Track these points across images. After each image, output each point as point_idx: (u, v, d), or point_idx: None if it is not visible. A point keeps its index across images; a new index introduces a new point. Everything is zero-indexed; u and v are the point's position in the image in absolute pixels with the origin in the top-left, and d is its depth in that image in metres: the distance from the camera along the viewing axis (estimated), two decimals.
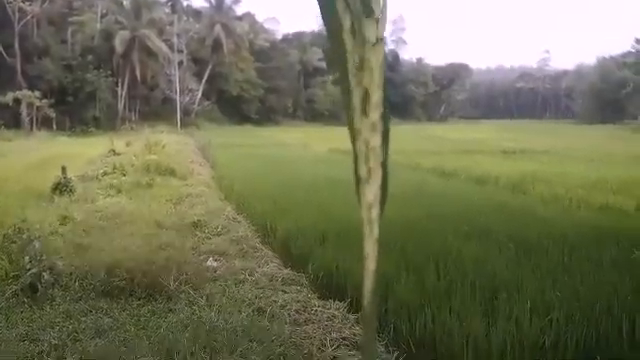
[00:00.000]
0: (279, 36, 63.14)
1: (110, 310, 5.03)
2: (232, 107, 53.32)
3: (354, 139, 0.70)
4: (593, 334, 4.35)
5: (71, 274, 5.73)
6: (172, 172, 14.50)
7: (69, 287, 5.52)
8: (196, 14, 55.92)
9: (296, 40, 63.56)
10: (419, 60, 76.07)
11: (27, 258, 5.56)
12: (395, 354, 4.35)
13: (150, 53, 44.18)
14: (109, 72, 41.51)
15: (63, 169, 11.32)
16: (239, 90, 53.17)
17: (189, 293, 5.45)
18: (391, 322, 4.71)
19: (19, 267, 5.56)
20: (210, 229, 8.41)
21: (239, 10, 56.76)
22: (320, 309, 5.10)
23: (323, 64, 58.85)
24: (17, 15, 39.11)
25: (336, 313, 5.01)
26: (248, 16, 57.60)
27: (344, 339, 4.48)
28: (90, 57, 40.85)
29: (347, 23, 0.68)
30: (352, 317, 4.88)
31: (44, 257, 5.67)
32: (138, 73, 43.49)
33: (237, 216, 9.57)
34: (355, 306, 4.97)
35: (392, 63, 64.92)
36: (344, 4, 0.68)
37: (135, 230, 7.61)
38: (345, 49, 0.68)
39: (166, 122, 43.75)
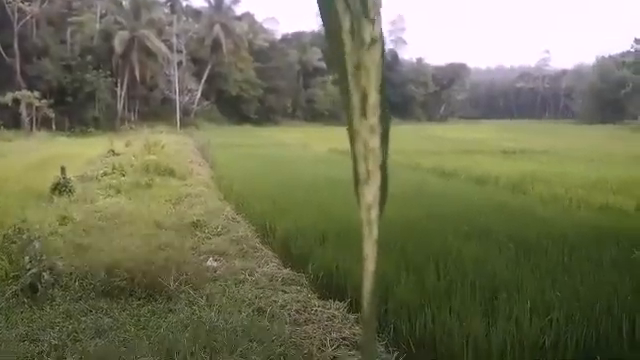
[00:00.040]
0: (278, 36, 63.21)
1: (110, 310, 5.03)
2: (231, 107, 53.32)
3: (353, 140, 0.70)
4: (593, 334, 4.35)
5: (71, 274, 5.73)
6: (171, 172, 14.51)
7: (69, 287, 5.52)
8: (195, 14, 55.89)
9: (295, 40, 63.56)
10: (419, 60, 76.15)
11: (27, 258, 5.56)
12: (395, 354, 4.35)
13: (149, 53, 44.17)
14: (108, 72, 41.49)
15: (62, 169, 11.32)
16: (238, 90, 53.16)
17: (189, 293, 5.45)
18: (391, 322, 4.71)
19: (19, 267, 5.56)
20: (210, 229, 8.41)
21: (238, 10, 56.85)
22: (320, 309, 5.10)
23: (323, 64, 58.86)
24: (16, 15, 39.08)
25: (336, 313, 5.01)
26: (247, 16, 57.60)
27: (344, 339, 4.48)
28: (89, 57, 40.83)
29: (347, 24, 0.68)
30: (352, 317, 4.88)
31: (44, 257, 5.67)
32: (137, 73, 43.48)
33: (236, 216, 9.58)
34: (355, 306, 4.97)
35: (391, 63, 64.93)
36: (344, 4, 0.68)
37: (134, 230, 7.61)
38: (344, 50, 0.68)
39: (165, 122, 43.76)
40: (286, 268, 6.51)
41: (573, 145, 27.92)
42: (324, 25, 0.71)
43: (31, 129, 36.89)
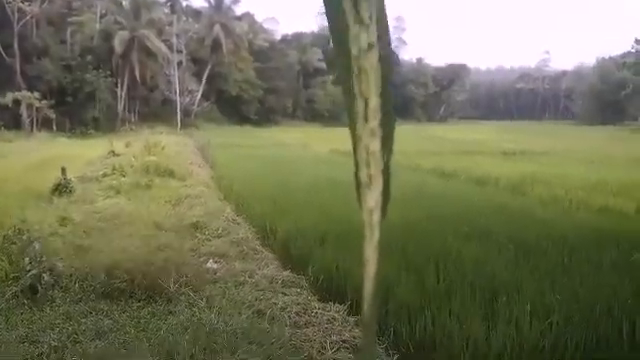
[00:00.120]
0: (278, 36, 63.23)
1: (110, 312, 5.02)
2: (231, 107, 53.33)
3: (355, 145, 0.70)
4: (593, 336, 4.35)
5: (71, 275, 5.73)
6: (171, 173, 14.50)
7: (69, 288, 5.52)
8: (195, 14, 55.89)
9: (295, 40, 63.60)
10: (419, 60, 76.21)
11: (27, 259, 5.56)
12: (395, 357, 4.35)
13: (149, 53, 44.15)
14: (108, 72, 41.45)
15: (63, 170, 11.33)
16: (238, 90, 53.16)
17: (189, 295, 5.45)
18: (391, 325, 4.70)
19: (19, 268, 5.55)
20: (210, 231, 8.40)
21: (238, 10, 56.80)
22: (320, 311, 5.10)
23: (323, 64, 58.90)
24: (16, 15, 39.05)
25: (336, 316, 5.00)
26: (247, 16, 57.59)
27: (344, 342, 4.48)
28: (89, 57, 40.80)
29: (354, 29, 0.68)
30: (352, 320, 4.87)
31: (44, 258, 5.67)
32: (137, 73, 43.45)
33: (236, 217, 9.56)
34: (355, 309, 4.96)
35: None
36: (352, 8, 0.68)
37: (134, 231, 7.60)
38: (350, 54, 0.68)
39: (165, 123, 43.76)
40: (286, 270, 6.50)
41: (573, 146, 27.92)
42: (330, 28, 0.71)
43: (31, 130, 36.90)
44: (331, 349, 4.35)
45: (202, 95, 50.73)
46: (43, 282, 5.32)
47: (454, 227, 7.66)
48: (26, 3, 39.41)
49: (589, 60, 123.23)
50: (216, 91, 52.68)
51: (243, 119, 52.82)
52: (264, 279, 6.08)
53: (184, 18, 54.10)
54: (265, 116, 55.30)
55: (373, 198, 0.70)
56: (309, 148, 26.50)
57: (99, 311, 5.03)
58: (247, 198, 10.83)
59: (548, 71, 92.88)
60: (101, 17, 44.59)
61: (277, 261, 6.98)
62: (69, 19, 42.83)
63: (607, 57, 74.46)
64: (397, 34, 70.97)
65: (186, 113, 48.34)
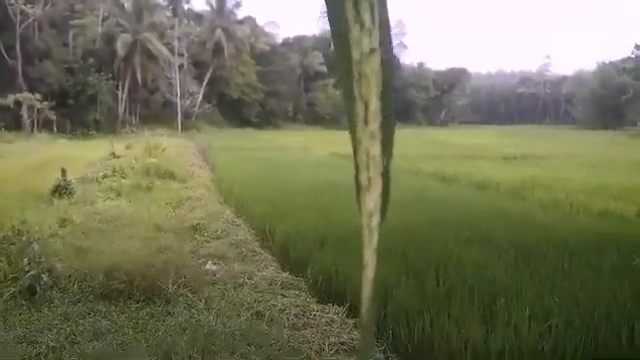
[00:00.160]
0: (280, 40, 63.39)
1: (108, 313, 5.02)
2: (233, 110, 53.41)
3: (356, 148, 0.71)
4: (592, 340, 4.34)
5: (70, 276, 5.72)
6: (172, 175, 14.51)
7: (68, 289, 5.51)
8: (197, 18, 56.06)
9: (297, 44, 63.73)
10: (420, 64, 76.27)
11: (26, 260, 5.56)
12: (393, 359, 4.34)
13: (151, 56, 44.26)
14: (110, 75, 41.59)
15: (63, 171, 11.33)
16: (240, 93, 53.27)
17: (188, 296, 5.44)
18: (390, 327, 4.70)
19: (18, 269, 5.55)
20: (209, 232, 8.41)
21: (240, 14, 56.98)
22: (319, 313, 5.09)
23: (324, 68, 59.00)
24: (19, 17, 39.18)
25: (335, 317, 5.00)
26: (249, 20, 57.70)
27: (342, 344, 4.47)
28: (91, 60, 40.94)
29: (356, 33, 0.69)
30: (351, 322, 4.87)
31: (43, 259, 5.67)
32: (139, 76, 43.55)
33: (236, 219, 9.57)
34: (354, 311, 4.96)
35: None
36: (354, 13, 0.68)
37: (134, 233, 7.60)
38: (352, 58, 0.69)
39: (166, 125, 43.84)
40: (285, 272, 6.50)
41: (574, 151, 27.93)
42: (332, 32, 0.71)
43: (32, 131, 36.95)
44: (329, 351, 4.34)
45: (203, 98, 50.79)
46: (42, 283, 5.32)
47: (455, 231, 7.65)
48: (29, 5, 39.52)
49: (590, 65, 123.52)
50: (218, 94, 52.77)
51: (244, 122, 52.90)
52: (263, 281, 6.08)
53: (186, 21, 54.27)
54: (266, 119, 55.39)
55: (372, 201, 0.70)
56: (310, 151, 26.51)
57: (97, 312, 5.02)
58: (247, 200, 10.83)
59: (549, 75, 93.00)
60: (103, 20, 44.71)
61: (276, 263, 6.98)
62: (71, 22, 42.94)
63: (607, 62, 74.61)
64: (398, 38, 71.12)
65: (187, 116, 48.40)
